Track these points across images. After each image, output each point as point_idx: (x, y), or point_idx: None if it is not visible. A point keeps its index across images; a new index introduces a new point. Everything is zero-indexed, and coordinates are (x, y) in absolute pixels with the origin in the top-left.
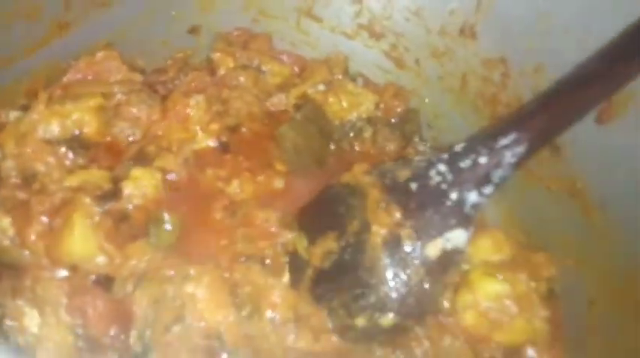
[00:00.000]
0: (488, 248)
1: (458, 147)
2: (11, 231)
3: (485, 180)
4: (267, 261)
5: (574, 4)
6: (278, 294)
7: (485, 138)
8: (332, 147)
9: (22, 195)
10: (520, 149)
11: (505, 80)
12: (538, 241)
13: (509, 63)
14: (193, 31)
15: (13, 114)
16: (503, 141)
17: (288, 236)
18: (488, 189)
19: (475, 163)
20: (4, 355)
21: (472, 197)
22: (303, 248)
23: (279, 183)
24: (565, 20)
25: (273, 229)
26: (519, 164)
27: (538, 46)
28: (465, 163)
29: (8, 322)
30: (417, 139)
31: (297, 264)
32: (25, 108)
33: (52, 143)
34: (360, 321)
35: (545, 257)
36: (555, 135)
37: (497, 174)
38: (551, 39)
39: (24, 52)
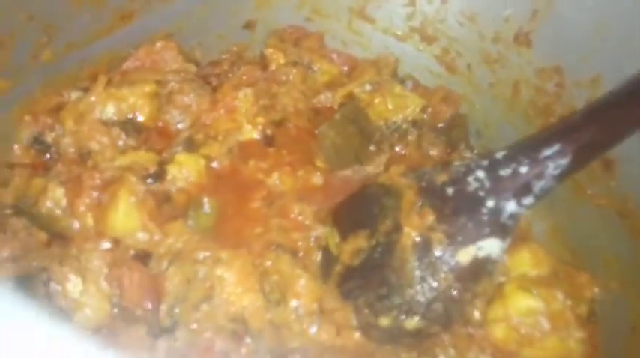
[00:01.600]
0: (527, 262)
1: (499, 155)
2: (64, 202)
3: (526, 190)
4: (300, 254)
5: (634, 16)
6: (303, 285)
7: (528, 148)
8: (372, 148)
9: (76, 169)
10: (564, 161)
11: (559, 90)
12: (583, 260)
13: (564, 73)
14: (248, 26)
15: (75, 95)
16: (547, 151)
17: (321, 230)
18: (528, 200)
19: (515, 172)
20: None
21: (510, 207)
22: (334, 243)
23: (318, 180)
24: (624, 32)
25: (307, 222)
26: (563, 177)
27: (595, 57)
28: (505, 171)
29: (53, 285)
30: (463, 146)
31: (327, 259)
32: (86, 91)
33: (107, 124)
34: (384, 321)
35: (588, 277)
36: (602, 151)
37: (538, 186)
38: (609, 50)
39: (89, 38)
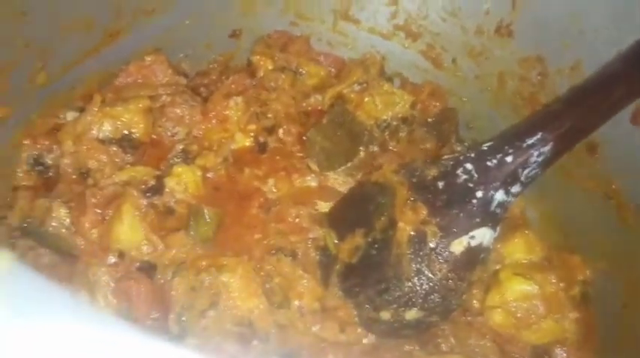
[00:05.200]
0: (521, 248)
1: (485, 146)
2: (68, 221)
3: (513, 178)
4: (299, 255)
5: (606, 4)
6: (305, 285)
7: (512, 137)
8: (362, 148)
9: (77, 188)
10: (546, 148)
11: (543, 79)
12: (574, 243)
13: (546, 61)
14: (234, 34)
15: (71, 115)
16: (529, 140)
17: (319, 232)
18: (515, 188)
19: (501, 162)
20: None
21: (499, 196)
22: (332, 243)
23: (313, 182)
24: (598, 19)
25: (304, 225)
26: (547, 163)
27: (574, 44)
28: (492, 162)
29: None
30: (453, 140)
31: (326, 259)
32: (81, 110)
33: (104, 142)
34: (385, 315)
35: (579, 259)
36: (582, 136)
37: (524, 173)
38: (586, 38)
39: (80, 58)
